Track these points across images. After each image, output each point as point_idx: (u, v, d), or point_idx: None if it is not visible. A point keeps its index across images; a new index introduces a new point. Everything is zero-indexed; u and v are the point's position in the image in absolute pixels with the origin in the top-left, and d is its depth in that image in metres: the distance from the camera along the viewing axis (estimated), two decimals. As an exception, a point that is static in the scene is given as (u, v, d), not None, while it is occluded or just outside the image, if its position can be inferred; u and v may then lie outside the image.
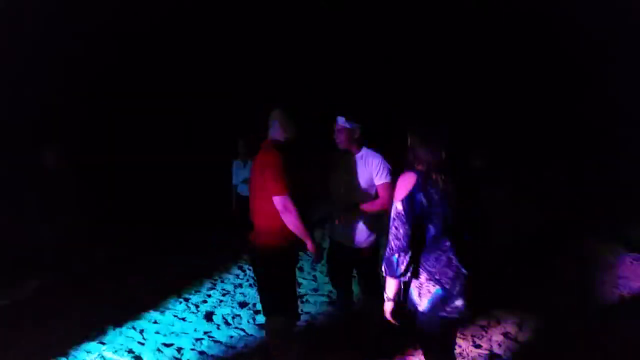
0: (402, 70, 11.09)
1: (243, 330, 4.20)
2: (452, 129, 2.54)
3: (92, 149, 7.93)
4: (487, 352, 3.73)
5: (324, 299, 4.83)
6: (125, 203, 8.06)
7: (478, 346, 3.80)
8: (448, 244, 2.40)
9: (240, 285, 5.30)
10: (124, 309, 4.60)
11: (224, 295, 5.00)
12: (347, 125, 3.46)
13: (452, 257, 2.39)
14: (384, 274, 2.47)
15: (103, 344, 3.98)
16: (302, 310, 4.34)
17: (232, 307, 4.70)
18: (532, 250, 5.50)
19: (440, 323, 2.44)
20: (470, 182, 2.53)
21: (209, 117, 9.80)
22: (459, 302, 2.40)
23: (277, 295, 3.15)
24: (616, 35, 9.22)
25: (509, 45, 10.63)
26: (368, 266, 3.65)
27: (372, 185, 3.43)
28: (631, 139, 8.63)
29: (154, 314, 4.55)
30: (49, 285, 5.22)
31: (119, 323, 4.32)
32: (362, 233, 3.51)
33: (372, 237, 3.53)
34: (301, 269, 5.69)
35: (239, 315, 4.49)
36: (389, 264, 2.41)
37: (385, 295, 2.51)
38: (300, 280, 5.34)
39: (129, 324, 4.33)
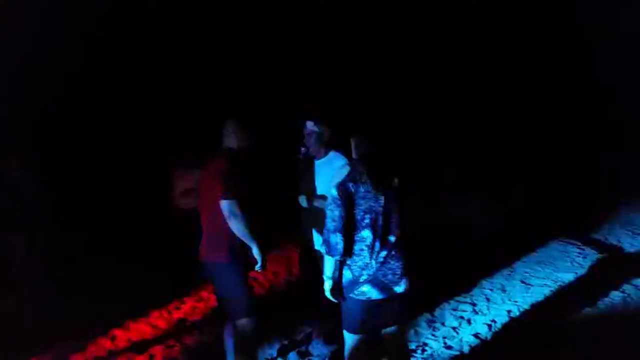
0: (380, 73, 11.17)
1: (216, 336, 4.16)
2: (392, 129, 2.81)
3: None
4: (458, 353, 3.76)
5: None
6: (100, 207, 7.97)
7: (449, 347, 3.84)
8: (366, 235, 2.63)
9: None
10: (96, 315, 4.54)
11: (197, 301, 4.96)
12: (316, 129, 3.52)
13: (367, 248, 2.63)
14: (324, 253, 2.70)
15: (73, 351, 3.94)
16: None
17: (206, 313, 4.67)
18: (499, 251, 5.61)
19: (353, 301, 2.70)
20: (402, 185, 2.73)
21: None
22: (364, 289, 2.64)
23: (232, 303, 3.21)
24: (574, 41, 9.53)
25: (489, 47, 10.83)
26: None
27: None
28: (599, 143, 8.87)
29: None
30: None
31: (90, 330, 4.28)
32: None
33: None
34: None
35: (212, 322, 4.45)
36: (328, 244, 2.65)
37: (324, 274, 2.76)
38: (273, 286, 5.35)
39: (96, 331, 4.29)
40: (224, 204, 3.01)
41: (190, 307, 4.83)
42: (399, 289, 2.67)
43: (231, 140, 3.23)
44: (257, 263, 3.19)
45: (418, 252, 5.40)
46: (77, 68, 8.45)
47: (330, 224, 2.62)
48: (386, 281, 2.65)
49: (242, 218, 3.03)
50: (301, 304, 4.06)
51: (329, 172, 3.47)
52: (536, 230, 6.03)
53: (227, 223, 3.04)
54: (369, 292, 2.64)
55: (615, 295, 4.42)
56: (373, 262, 2.63)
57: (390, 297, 2.67)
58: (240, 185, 3.07)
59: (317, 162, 3.59)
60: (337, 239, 2.60)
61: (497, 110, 10.90)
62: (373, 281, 2.64)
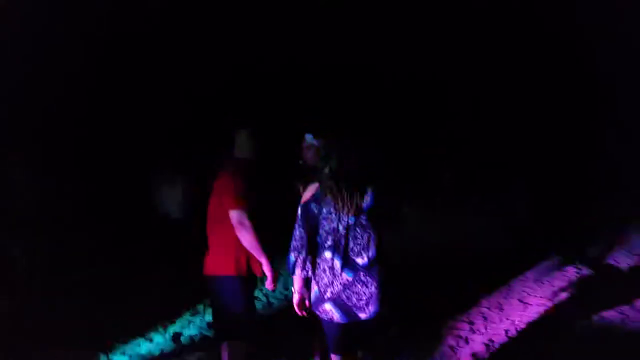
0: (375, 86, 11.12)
1: (210, 352, 4.16)
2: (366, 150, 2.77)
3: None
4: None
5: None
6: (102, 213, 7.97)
7: (446, 367, 3.84)
8: (328, 256, 2.62)
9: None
10: (91, 327, 4.53)
11: (193, 315, 4.94)
12: (315, 142, 3.47)
13: (329, 269, 2.61)
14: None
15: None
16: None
17: (201, 327, 4.66)
18: (496, 268, 5.59)
19: (319, 319, 2.73)
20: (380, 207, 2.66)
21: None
22: (327, 307, 2.63)
23: (234, 322, 3.14)
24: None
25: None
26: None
27: None
28: (595, 156, 8.79)
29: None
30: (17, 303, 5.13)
31: (84, 343, 4.26)
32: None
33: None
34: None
35: (207, 337, 4.45)
36: (288, 261, 2.73)
37: (292, 288, 2.83)
38: (271, 300, 5.33)
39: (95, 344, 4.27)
40: (234, 214, 2.97)
41: (186, 321, 4.82)
42: (363, 315, 2.61)
43: (243, 150, 3.21)
44: (266, 279, 3.14)
45: (413, 269, 5.43)
46: (77, 68, 8.40)
47: (291, 242, 2.70)
48: (350, 304, 2.60)
49: (252, 229, 2.98)
50: (301, 321, 4.04)
51: None
52: (534, 247, 6.00)
53: (236, 235, 3.00)
54: (332, 311, 2.62)
55: (613, 316, 4.40)
56: (337, 282, 2.60)
57: (354, 322, 2.62)
58: (251, 196, 3.04)
59: None
60: (295, 257, 2.68)
61: (496, 110, 10.84)
62: (336, 300, 2.60)
